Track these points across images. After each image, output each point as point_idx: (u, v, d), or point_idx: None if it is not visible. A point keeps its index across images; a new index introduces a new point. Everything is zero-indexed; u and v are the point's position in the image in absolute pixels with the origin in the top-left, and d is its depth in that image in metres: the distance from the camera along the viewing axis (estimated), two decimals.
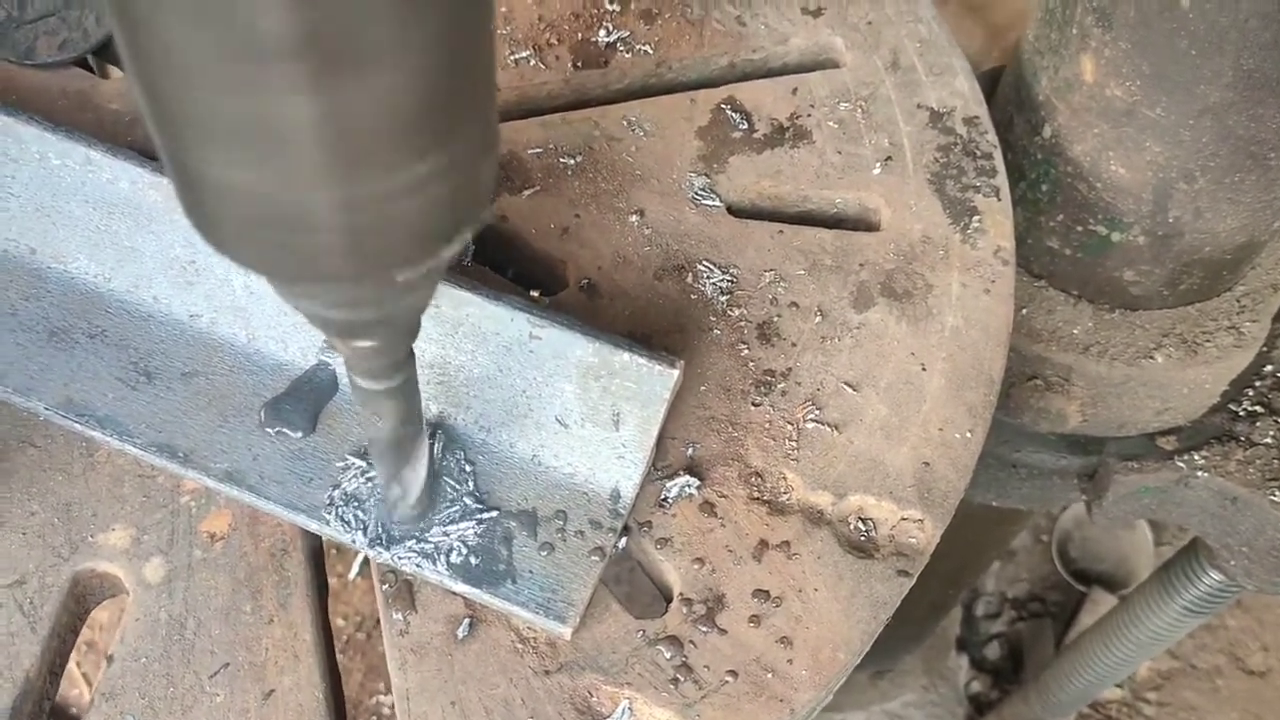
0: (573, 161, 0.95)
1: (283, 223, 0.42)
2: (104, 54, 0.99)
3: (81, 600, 0.77)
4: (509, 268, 0.93)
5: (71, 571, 0.75)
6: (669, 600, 0.77)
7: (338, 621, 2.47)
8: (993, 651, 2.57)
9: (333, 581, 2.47)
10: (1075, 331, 1.15)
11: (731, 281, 0.89)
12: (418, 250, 0.45)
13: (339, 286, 0.47)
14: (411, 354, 0.61)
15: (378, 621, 0.82)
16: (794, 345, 0.86)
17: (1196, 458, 1.19)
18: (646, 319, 0.87)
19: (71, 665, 2.33)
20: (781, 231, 0.92)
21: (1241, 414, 1.20)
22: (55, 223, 0.83)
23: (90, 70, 0.99)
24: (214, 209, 0.44)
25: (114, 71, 1.02)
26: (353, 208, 0.41)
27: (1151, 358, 1.13)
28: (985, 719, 2.38)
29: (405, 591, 0.75)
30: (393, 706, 0.72)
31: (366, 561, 0.77)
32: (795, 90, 1.00)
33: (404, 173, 0.41)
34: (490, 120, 0.45)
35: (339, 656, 2.53)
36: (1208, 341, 1.14)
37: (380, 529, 0.75)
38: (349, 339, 0.55)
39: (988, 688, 2.53)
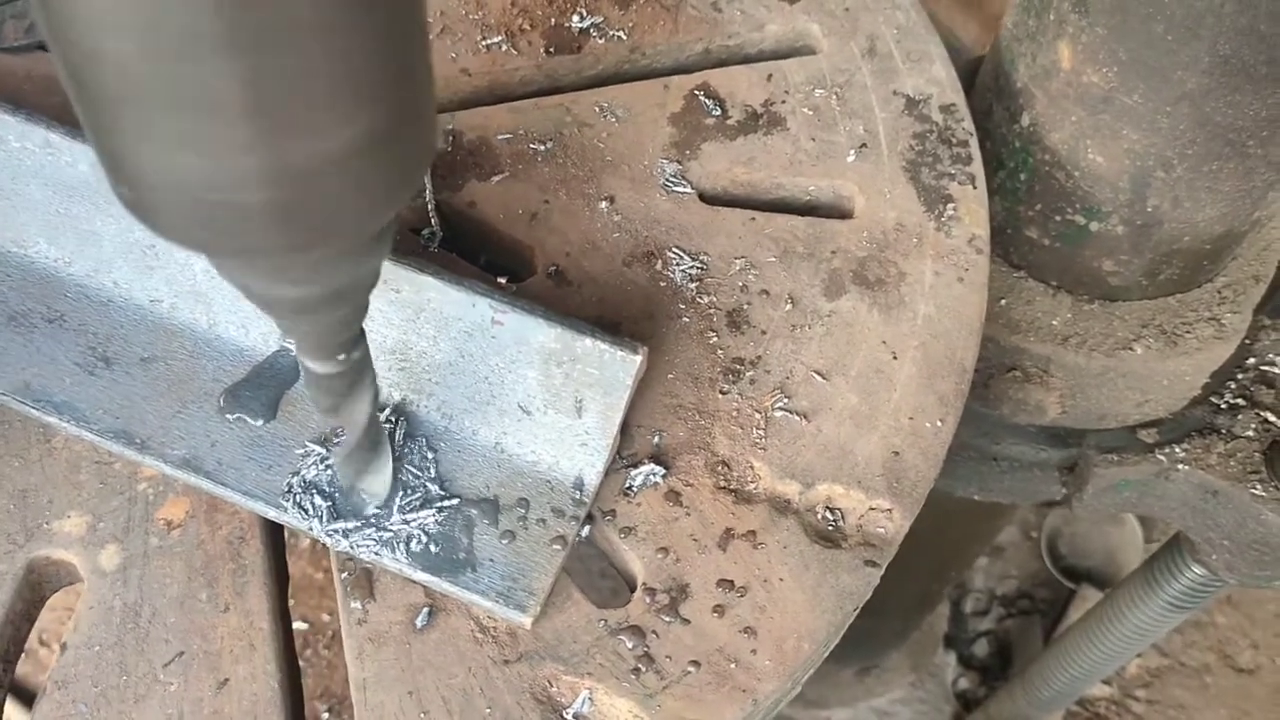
0: (543, 147, 0.93)
1: (209, 194, 0.41)
2: None
3: (36, 588, 0.76)
4: (478, 255, 0.92)
5: (26, 559, 0.74)
6: (632, 589, 0.75)
7: (323, 616, 2.46)
8: (981, 649, 2.56)
9: (319, 576, 2.46)
10: (1054, 322, 1.14)
11: (701, 269, 0.88)
12: (349, 220, 0.44)
13: (271, 260, 0.46)
14: (362, 334, 0.60)
15: None
16: (764, 333, 0.85)
17: (1177, 450, 1.18)
18: (615, 306, 0.86)
19: (53, 659, 2.31)
20: (753, 218, 0.91)
21: (1223, 406, 1.19)
22: (15, 206, 0.82)
23: None
24: (141, 184, 0.43)
25: None
26: (279, 175, 0.40)
27: (1131, 349, 1.12)
28: (972, 716, 2.37)
29: (364, 580, 0.74)
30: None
31: None
32: (770, 77, 0.99)
33: (330, 138, 0.40)
34: (423, 87, 0.44)
35: (325, 652, 2.51)
36: (1188, 333, 1.13)
37: (339, 517, 0.74)
38: (290, 317, 0.54)
39: (975, 685, 2.52)
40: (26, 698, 2.12)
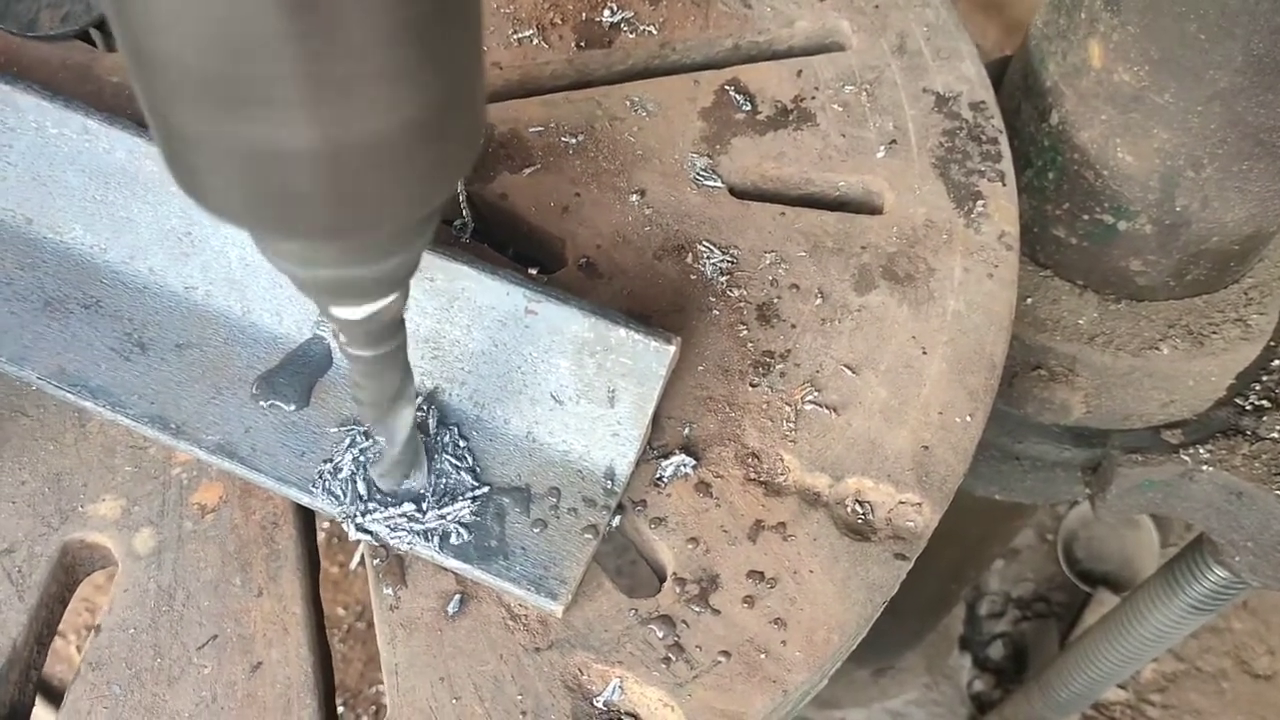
0: (574, 140, 0.94)
1: (265, 175, 0.42)
2: (106, 27, 0.98)
3: (71, 570, 0.76)
4: (509, 246, 0.92)
5: (61, 541, 0.75)
6: (662, 579, 0.76)
7: (338, 610, 2.47)
8: (996, 651, 2.56)
9: (334, 570, 2.47)
10: (1080, 321, 1.14)
11: (732, 262, 0.88)
12: (400, 203, 0.44)
13: (322, 241, 0.47)
14: (402, 321, 0.60)
15: None
16: (793, 327, 0.85)
17: (1202, 451, 1.17)
18: (645, 298, 0.86)
19: (70, 649, 2.33)
20: (783, 213, 0.91)
21: (1248, 408, 1.18)
22: (52, 192, 0.83)
23: (92, 44, 0.98)
24: (197, 164, 0.43)
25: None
26: (334, 156, 0.40)
27: (1157, 349, 1.12)
28: (987, 718, 2.36)
29: (396, 566, 0.75)
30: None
31: None
32: (800, 72, 0.99)
33: (386, 119, 0.40)
34: (476, 70, 0.44)
35: (339, 646, 2.53)
36: (1214, 333, 1.13)
37: (372, 503, 0.74)
38: (336, 301, 0.54)
39: (990, 687, 2.51)
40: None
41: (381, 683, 2.46)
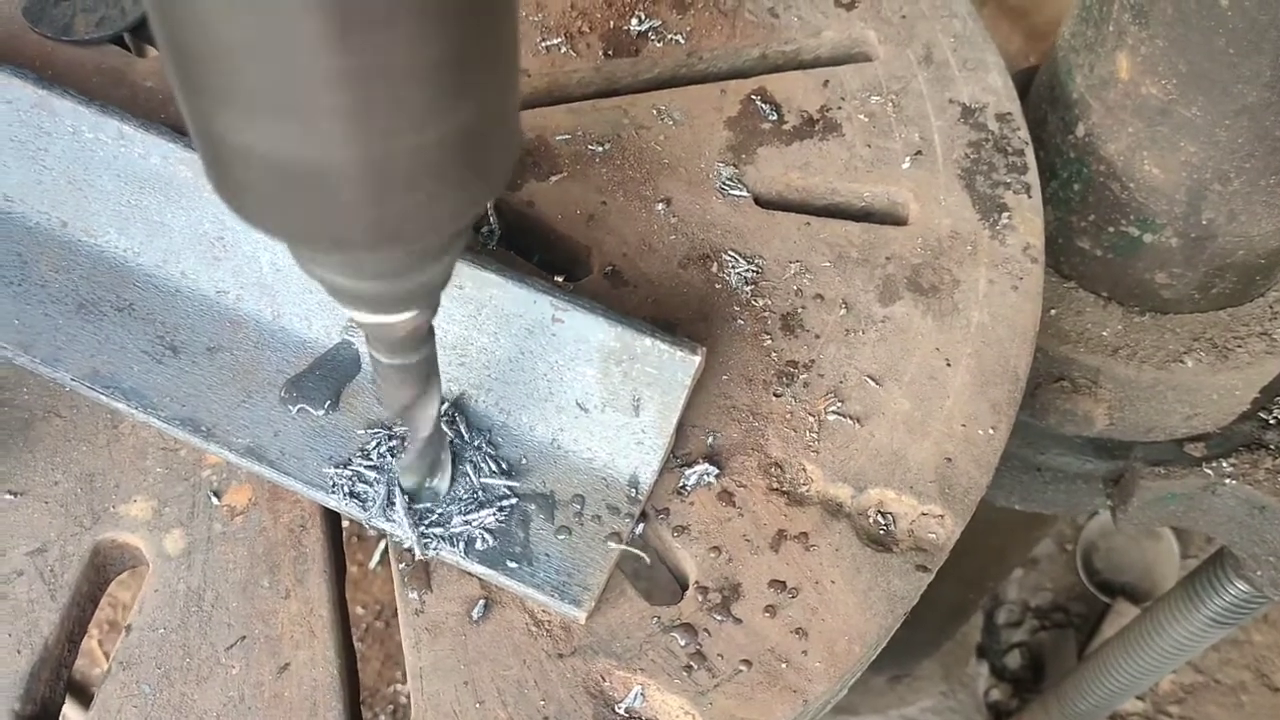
0: (601, 149, 0.94)
1: (306, 187, 0.42)
2: (140, 32, 1.00)
3: (102, 570, 0.77)
4: (534, 253, 0.93)
5: (93, 541, 0.76)
6: (684, 588, 0.76)
7: (356, 610, 2.48)
8: (1013, 660, 2.55)
9: (353, 570, 2.48)
10: (1104, 334, 1.14)
11: (757, 272, 0.89)
12: (438, 216, 0.45)
13: (360, 253, 0.48)
14: (431, 330, 0.61)
15: (396, 611, 0.82)
16: (818, 337, 0.86)
17: (1225, 465, 1.17)
18: (670, 307, 0.87)
19: (93, 644, 2.35)
20: (808, 223, 0.92)
21: (1272, 422, 1.18)
22: (87, 196, 0.84)
23: (126, 48, 0.99)
24: (239, 174, 0.44)
25: (150, 50, 1.03)
26: (374, 170, 0.41)
27: (1181, 362, 1.12)
28: None
29: (422, 571, 0.75)
30: (410, 693, 0.72)
31: (387, 551, 0.77)
32: (826, 83, 1.00)
33: (425, 134, 0.41)
34: (511, 86, 0.45)
35: (358, 645, 2.53)
36: (1239, 347, 1.13)
37: (398, 508, 0.75)
38: (370, 312, 0.55)
39: (1007, 697, 2.51)
40: None
41: (399, 682, 2.47)
